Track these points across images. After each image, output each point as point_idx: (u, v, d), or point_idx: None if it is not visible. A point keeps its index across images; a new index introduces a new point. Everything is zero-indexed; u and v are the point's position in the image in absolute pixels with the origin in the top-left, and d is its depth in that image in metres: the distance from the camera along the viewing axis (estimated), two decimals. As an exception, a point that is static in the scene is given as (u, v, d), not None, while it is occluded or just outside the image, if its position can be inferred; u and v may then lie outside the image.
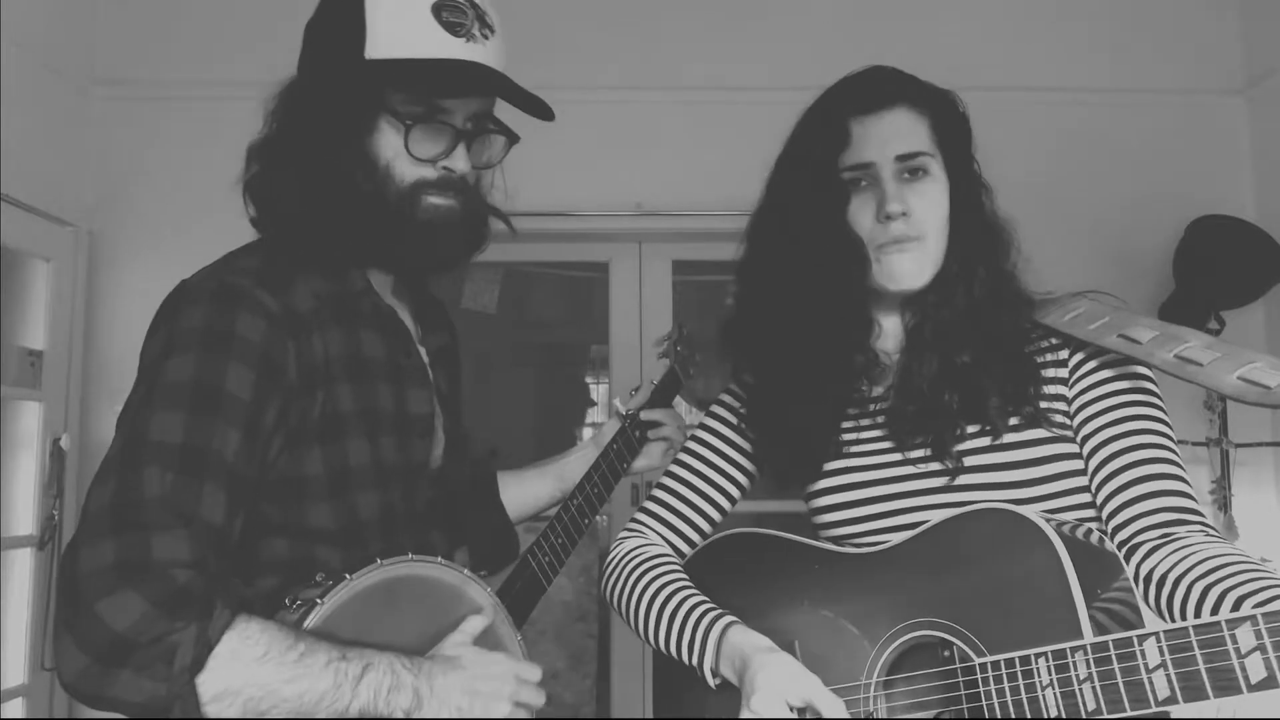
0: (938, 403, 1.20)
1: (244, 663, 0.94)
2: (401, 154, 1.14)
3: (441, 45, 1.12)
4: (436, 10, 1.12)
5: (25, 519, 2.58)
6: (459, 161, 1.16)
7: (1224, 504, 2.78)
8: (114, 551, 0.93)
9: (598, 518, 1.65)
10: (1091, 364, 1.19)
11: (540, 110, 1.19)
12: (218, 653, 0.93)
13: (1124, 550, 1.12)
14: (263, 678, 0.95)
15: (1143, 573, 1.09)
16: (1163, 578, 1.06)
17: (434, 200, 1.15)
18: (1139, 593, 1.10)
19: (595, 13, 2.97)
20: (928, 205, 1.19)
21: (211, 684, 0.93)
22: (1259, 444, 2.80)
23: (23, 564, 2.56)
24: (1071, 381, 1.19)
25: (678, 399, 1.77)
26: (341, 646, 1.00)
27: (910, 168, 1.19)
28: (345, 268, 1.19)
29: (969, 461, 1.19)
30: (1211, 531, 1.10)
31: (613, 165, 2.92)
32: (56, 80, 2.73)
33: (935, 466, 1.21)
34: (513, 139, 1.24)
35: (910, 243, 1.19)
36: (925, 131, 1.21)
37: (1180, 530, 1.09)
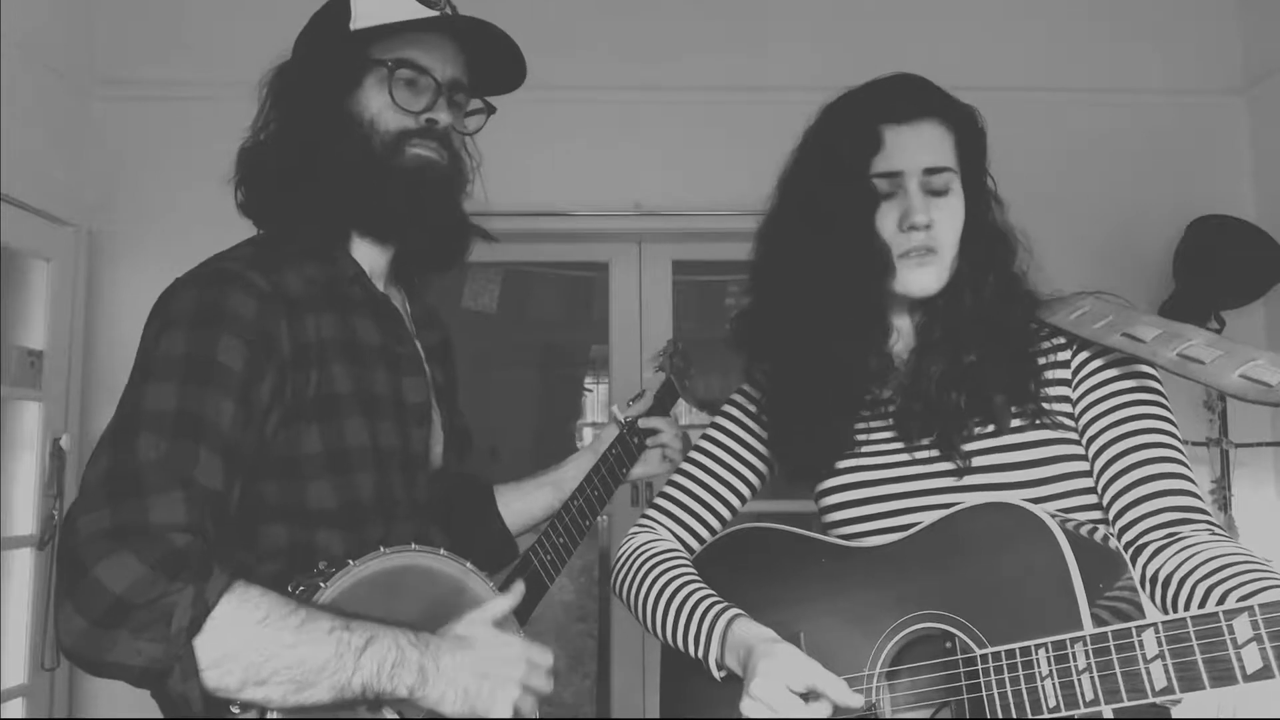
0: (945, 401, 1.21)
1: (243, 626, 0.94)
2: (386, 106, 1.21)
3: (417, 11, 1.21)
4: None
5: (25, 519, 2.58)
6: (441, 113, 1.23)
7: (1224, 504, 2.78)
8: (111, 517, 0.94)
9: (598, 518, 1.66)
10: (1095, 363, 1.20)
11: (513, 77, 1.29)
12: (216, 615, 0.93)
13: (1130, 551, 1.13)
14: (262, 641, 0.95)
15: (1148, 573, 1.10)
16: (1168, 578, 1.07)
17: (418, 151, 1.21)
18: (1145, 594, 1.11)
19: (595, 13, 2.97)
20: (946, 219, 1.22)
21: (210, 647, 0.93)
22: (1259, 444, 2.80)
23: (23, 564, 2.56)
24: (1075, 382, 1.20)
25: (677, 402, 1.79)
26: (345, 617, 1.00)
27: (935, 184, 1.21)
28: (338, 245, 1.22)
29: (975, 462, 1.20)
30: (1217, 530, 1.11)
31: (612, 165, 2.92)
32: (57, 80, 2.72)
33: (943, 466, 1.22)
34: (490, 110, 1.32)
35: (928, 255, 1.21)
36: (950, 147, 1.24)
37: (1185, 530, 1.10)
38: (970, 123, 1.26)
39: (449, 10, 1.25)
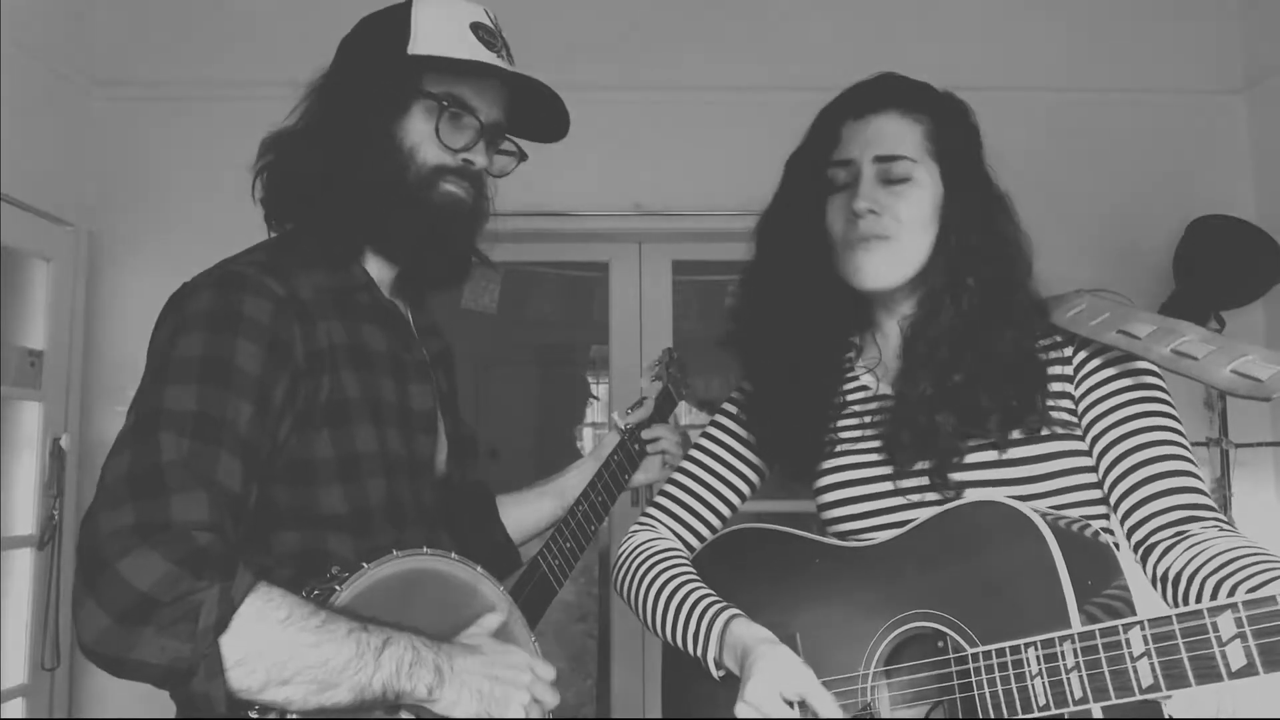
0: (932, 426, 1.19)
1: (268, 625, 0.95)
2: (429, 139, 1.21)
3: (476, 52, 1.22)
4: (475, 28, 1.24)
5: (25, 519, 2.58)
6: (479, 156, 1.24)
7: (1224, 504, 2.77)
8: (133, 514, 0.94)
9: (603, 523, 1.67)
10: (1095, 362, 1.19)
11: (554, 129, 1.31)
12: (241, 613, 0.93)
13: (1140, 551, 1.12)
14: (287, 640, 0.95)
15: (1159, 573, 1.09)
16: (1177, 576, 1.06)
17: (451, 188, 1.22)
18: (1158, 593, 1.10)
19: (595, 13, 2.97)
20: (903, 208, 1.20)
21: (236, 646, 0.93)
22: (1259, 444, 2.79)
23: (23, 564, 2.56)
24: (1077, 380, 1.20)
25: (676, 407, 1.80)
26: (361, 620, 1.01)
27: (891, 172, 1.20)
28: (351, 255, 1.23)
29: (970, 476, 1.19)
30: (1225, 526, 1.10)
31: (612, 165, 2.92)
32: (56, 80, 2.73)
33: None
34: (522, 157, 1.34)
35: (877, 242, 1.20)
36: (916, 137, 1.22)
37: (1194, 527, 1.10)
38: (954, 116, 1.25)
39: (504, 53, 1.25)
